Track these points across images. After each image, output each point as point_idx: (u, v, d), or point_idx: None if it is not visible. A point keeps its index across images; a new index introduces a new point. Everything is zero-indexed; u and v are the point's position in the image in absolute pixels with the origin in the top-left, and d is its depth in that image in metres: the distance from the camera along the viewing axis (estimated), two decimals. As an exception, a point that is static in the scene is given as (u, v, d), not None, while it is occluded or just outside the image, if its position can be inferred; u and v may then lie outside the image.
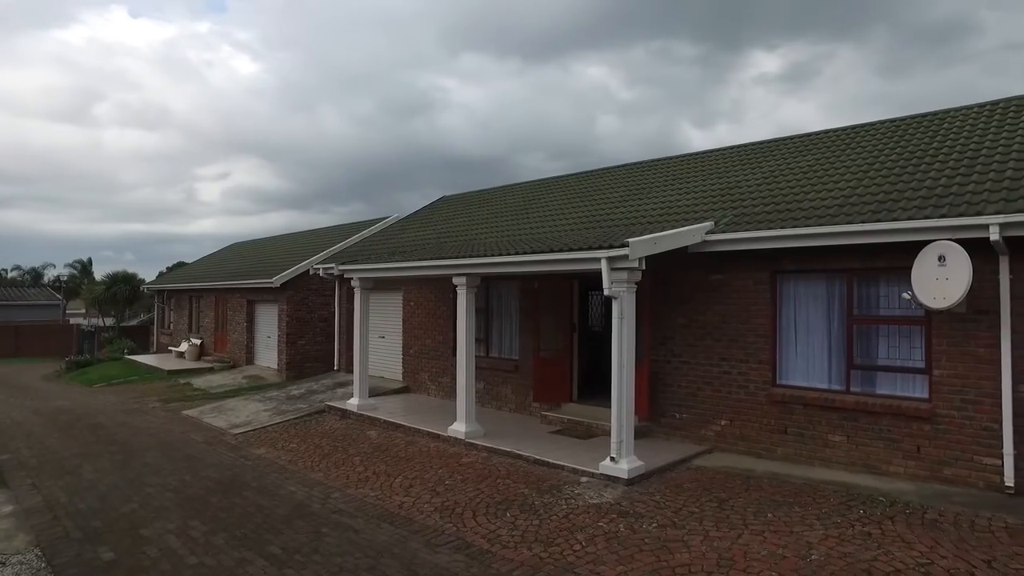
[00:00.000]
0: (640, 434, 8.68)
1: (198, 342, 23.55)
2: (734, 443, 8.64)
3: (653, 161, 14.03)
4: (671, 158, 13.79)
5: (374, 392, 13.33)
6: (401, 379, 14.51)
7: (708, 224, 8.68)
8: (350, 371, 16.44)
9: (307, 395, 14.30)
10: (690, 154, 13.55)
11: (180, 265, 42.26)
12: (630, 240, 7.23)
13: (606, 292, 7.46)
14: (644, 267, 7.54)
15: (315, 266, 16.11)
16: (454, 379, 10.16)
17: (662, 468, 7.89)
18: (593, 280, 7.69)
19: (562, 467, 8.10)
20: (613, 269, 7.45)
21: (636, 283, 7.68)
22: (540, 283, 10.95)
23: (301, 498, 7.60)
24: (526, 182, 16.90)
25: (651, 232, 8.06)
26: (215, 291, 22.87)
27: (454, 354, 11.16)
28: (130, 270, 34.56)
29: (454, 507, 7.03)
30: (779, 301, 8.48)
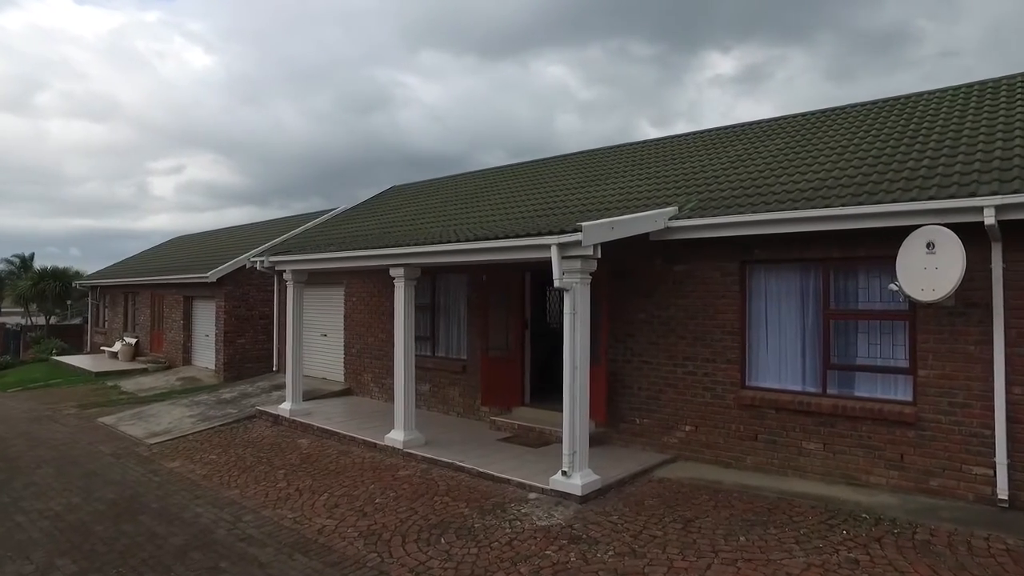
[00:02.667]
0: (597, 441, 7.85)
1: (132, 341, 22.02)
2: (700, 451, 7.85)
3: (612, 148, 13.23)
4: (631, 144, 13.01)
5: (312, 395, 12.25)
6: (343, 380, 13.43)
7: (671, 209, 7.86)
8: (290, 372, 15.31)
9: (240, 398, 13.13)
10: (651, 140, 12.80)
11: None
12: (584, 224, 6.35)
13: (556, 284, 6.57)
14: (600, 256, 6.67)
15: (251, 259, 14.88)
16: (393, 382, 9.17)
17: (620, 481, 7.05)
18: (549, 272, 6.78)
19: (508, 481, 7.18)
20: (564, 258, 6.57)
21: (591, 274, 6.82)
22: (489, 276, 10.03)
23: (207, 522, 6.54)
24: (479, 170, 15.97)
25: (609, 218, 7.20)
26: (151, 287, 21.37)
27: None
28: (71, 267, 32.21)
29: (382, 532, 6.06)
30: (749, 294, 7.71)
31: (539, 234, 6.74)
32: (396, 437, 8.60)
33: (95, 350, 25.50)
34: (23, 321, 36.25)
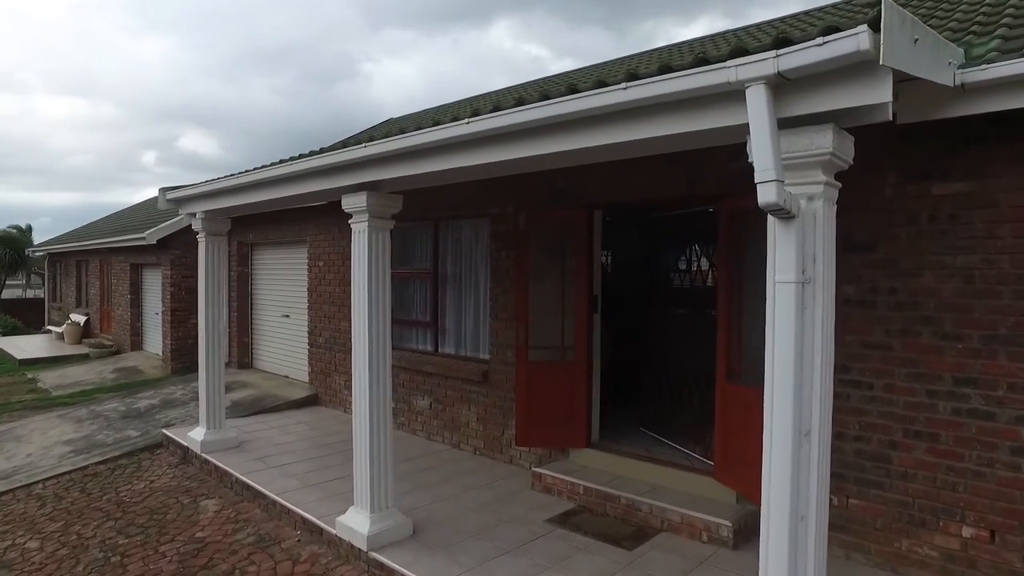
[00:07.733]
0: (747, 534, 3.60)
1: (81, 320, 18.14)
2: (1001, 584, 3.62)
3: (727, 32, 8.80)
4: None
5: (260, 407, 8.25)
6: (308, 382, 9.27)
7: (957, 51, 3.46)
8: (244, 364, 11.28)
9: (158, 408, 9.05)
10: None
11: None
12: (887, 3, 2.04)
13: (765, 198, 2.26)
14: (891, 115, 2.36)
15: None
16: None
17: None
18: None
19: None
20: (789, 120, 2.29)
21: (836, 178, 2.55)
22: (530, 221, 5.76)
23: None
24: (527, 81, 11.59)
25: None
26: (99, 253, 17.37)
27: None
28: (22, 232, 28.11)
29: None
30: None
31: (709, 62, 2.43)
32: (357, 527, 4.38)
33: (53, 328, 21.72)
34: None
